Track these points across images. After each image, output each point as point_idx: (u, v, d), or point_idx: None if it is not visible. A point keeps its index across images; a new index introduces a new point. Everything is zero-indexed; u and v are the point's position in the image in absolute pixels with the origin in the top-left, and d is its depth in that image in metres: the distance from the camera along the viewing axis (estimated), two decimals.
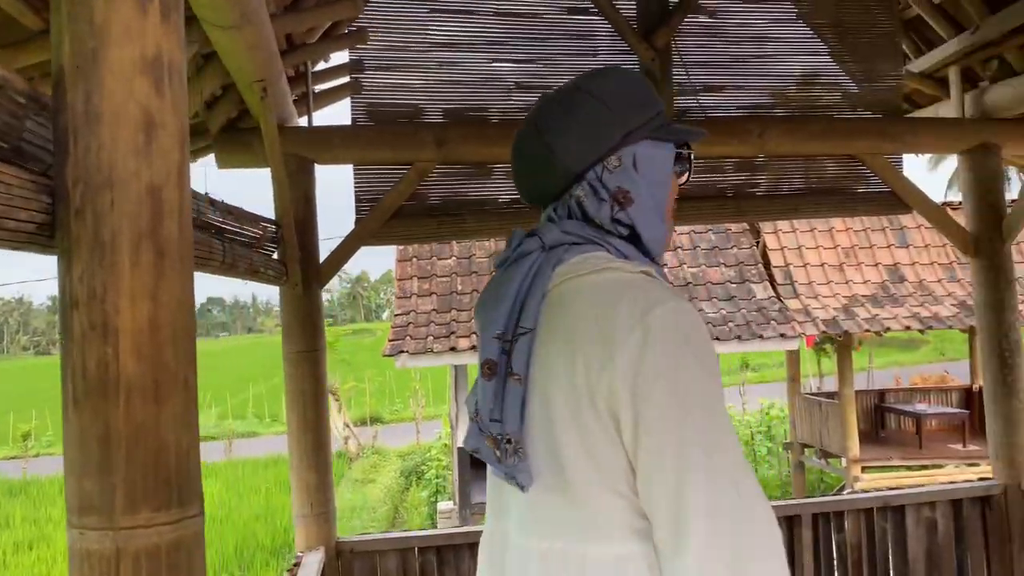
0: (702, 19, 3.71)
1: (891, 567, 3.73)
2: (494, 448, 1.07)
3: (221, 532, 13.04)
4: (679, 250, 9.74)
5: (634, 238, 1.15)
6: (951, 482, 9.09)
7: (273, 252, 2.90)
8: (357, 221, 3.38)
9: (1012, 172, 20.31)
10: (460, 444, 8.58)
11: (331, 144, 3.29)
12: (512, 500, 1.13)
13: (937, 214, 3.80)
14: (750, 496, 0.97)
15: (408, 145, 3.29)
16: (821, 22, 3.81)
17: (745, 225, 10.10)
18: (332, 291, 78.22)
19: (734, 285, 9.29)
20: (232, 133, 3.16)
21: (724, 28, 3.73)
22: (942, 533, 3.73)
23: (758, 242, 10.32)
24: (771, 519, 0.98)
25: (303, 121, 3.39)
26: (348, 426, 20.25)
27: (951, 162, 34.32)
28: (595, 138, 1.13)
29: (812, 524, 3.63)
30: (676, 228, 9.68)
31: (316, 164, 3.33)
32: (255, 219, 2.52)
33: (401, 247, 9.12)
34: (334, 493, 3.30)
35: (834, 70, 3.83)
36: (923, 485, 9.01)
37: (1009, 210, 3.78)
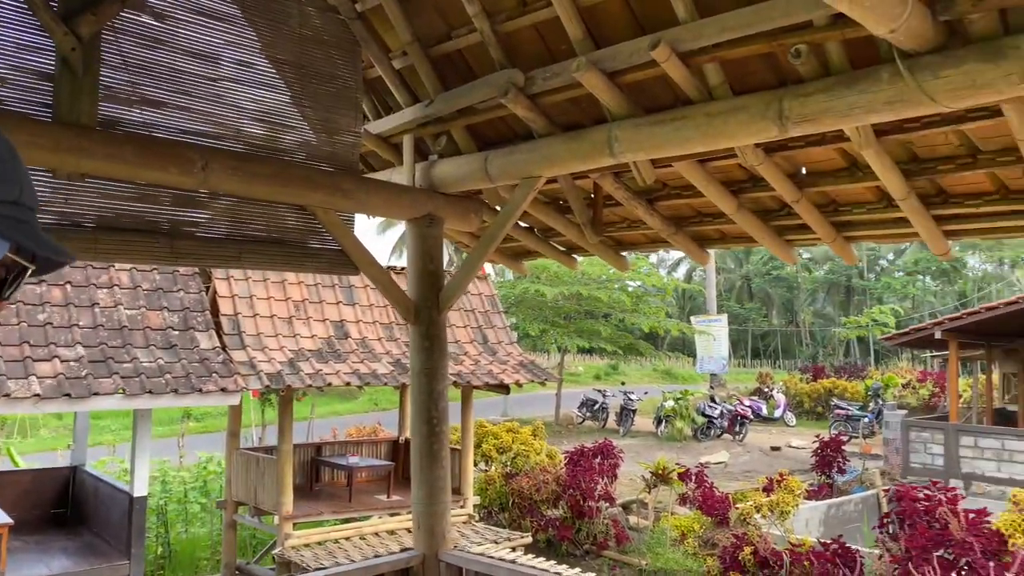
0: (146, 20, 3.10)
1: None
2: None
3: None
4: (116, 288, 8.56)
5: None
6: (375, 556, 9.51)
7: None
8: None
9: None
10: None
11: None
12: None
13: (384, 278, 3.75)
14: None
15: None
16: (283, 59, 3.51)
17: (196, 268, 9.37)
18: None
19: (176, 332, 8.46)
20: None
21: (174, 38, 3.18)
22: None
23: (208, 288, 9.66)
24: None
25: None
26: None
27: (399, 229, 38.18)
28: None
29: None
30: (113, 264, 8.49)
31: None
32: None
33: None
34: None
35: (293, 113, 3.55)
36: (342, 564, 9.24)
37: (447, 282, 3.92)
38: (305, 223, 3.55)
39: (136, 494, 7.96)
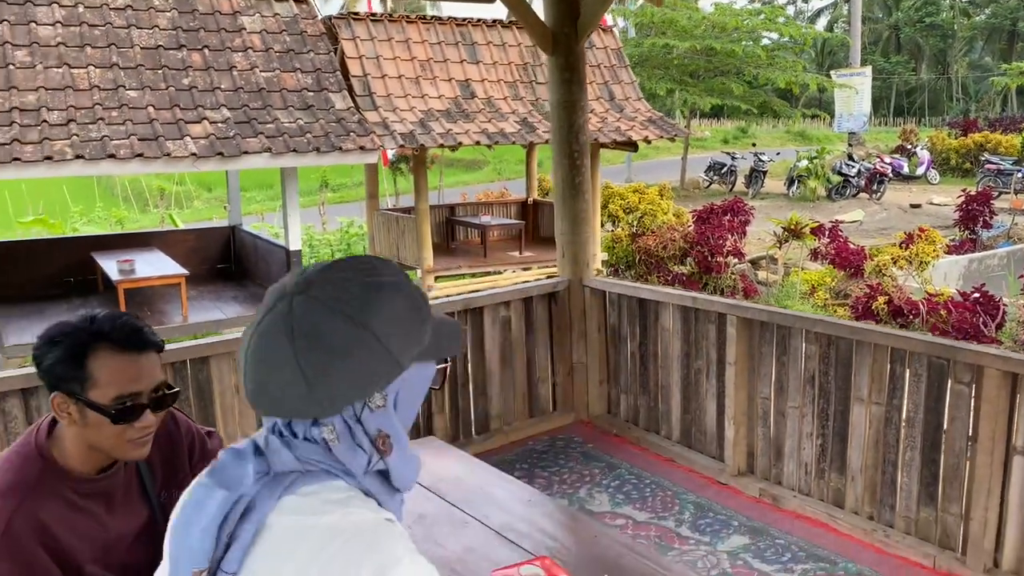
0: None
1: (469, 363, 3.78)
2: None
3: None
4: (250, 51, 8.74)
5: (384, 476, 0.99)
6: (524, 282, 10.02)
7: None
8: None
9: None
10: None
11: None
12: None
13: (521, 6, 3.64)
14: None
15: None
16: None
17: (322, 29, 9.39)
18: None
19: (312, 93, 8.66)
20: None
21: None
22: (515, 328, 3.86)
23: (336, 49, 9.72)
24: None
25: None
26: None
27: None
28: (367, 382, 0.94)
29: None
30: (226, 22, 8.58)
31: None
32: None
33: None
34: None
35: None
36: (494, 288, 9.79)
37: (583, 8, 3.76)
38: None
39: (292, 247, 8.62)
